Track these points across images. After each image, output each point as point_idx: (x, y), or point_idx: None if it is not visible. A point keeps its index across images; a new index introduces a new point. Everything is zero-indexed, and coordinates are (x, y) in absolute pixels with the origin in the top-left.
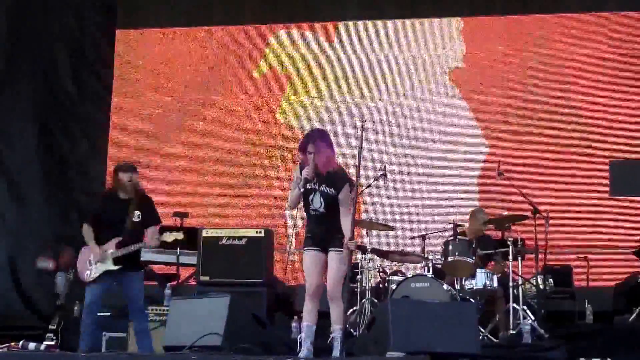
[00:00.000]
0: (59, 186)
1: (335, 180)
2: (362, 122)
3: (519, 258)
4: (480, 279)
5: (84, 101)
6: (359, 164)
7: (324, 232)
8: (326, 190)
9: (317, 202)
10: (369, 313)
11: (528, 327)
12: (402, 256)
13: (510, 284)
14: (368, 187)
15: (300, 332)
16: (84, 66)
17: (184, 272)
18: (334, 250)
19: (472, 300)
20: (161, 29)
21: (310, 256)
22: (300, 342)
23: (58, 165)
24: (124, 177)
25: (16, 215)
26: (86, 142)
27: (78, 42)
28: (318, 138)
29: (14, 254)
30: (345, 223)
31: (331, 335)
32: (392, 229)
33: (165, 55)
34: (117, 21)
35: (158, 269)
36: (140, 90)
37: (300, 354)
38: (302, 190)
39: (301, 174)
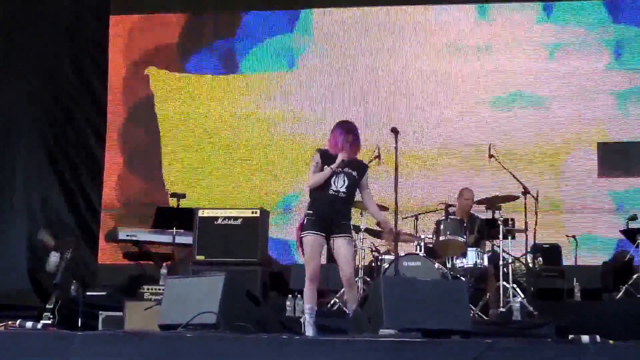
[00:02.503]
0: (63, 170)
1: (358, 165)
2: (397, 132)
3: (509, 237)
4: (471, 258)
5: (81, 86)
6: (397, 171)
7: (333, 214)
8: (350, 172)
9: (340, 182)
10: (361, 291)
11: (518, 305)
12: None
13: (501, 262)
14: None
15: (299, 313)
16: (80, 50)
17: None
18: (342, 236)
19: (463, 279)
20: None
21: (313, 240)
22: (304, 323)
23: (60, 150)
24: None
25: (22, 200)
26: (85, 125)
27: (73, 26)
28: (356, 131)
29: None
30: (376, 208)
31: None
32: (386, 209)
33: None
34: (110, 6)
35: (154, 249)
36: (136, 74)
37: (307, 333)
38: (335, 170)
39: (321, 160)
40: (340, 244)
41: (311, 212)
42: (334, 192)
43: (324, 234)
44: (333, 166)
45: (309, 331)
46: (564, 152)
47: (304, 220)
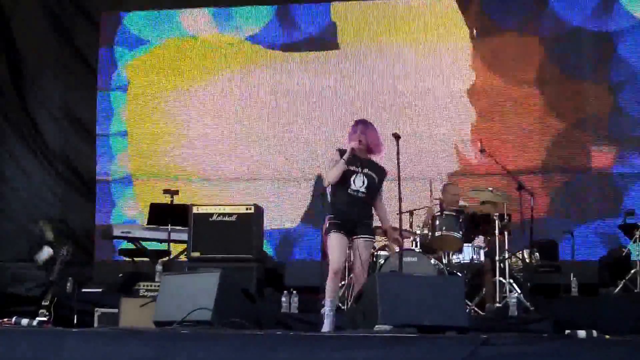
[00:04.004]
0: (53, 167)
1: (378, 168)
2: (398, 137)
3: (506, 233)
4: (467, 253)
5: (69, 82)
6: (399, 176)
7: (355, 215)
8: (371, 174)
9: (360, 182)
10: None
11: (514, 300)
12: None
13: (497, 257)
14: None
15: (294, 309)
16: (69, 48)
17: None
18: (364, 238)
19: (459, 274)
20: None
21: (338, 238)
22: (323, 315)
23: (49, 148)
24: None
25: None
26: (74, 123)
27: (63, 24)
28: (370, 125)
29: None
30: (385, 214)
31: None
32: None
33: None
34: (101, 3)
35: (149, 246)
36: (128, 72)
37: (323, 327)
38: (345, 162)
39: (341, 157)
40: (361, 247)
41: (333, 215)
42: (353, 192)
43: (346, 233)
44: (345, 156)
45: (327, 324)
46: (561, 146)
47: (327, 224)
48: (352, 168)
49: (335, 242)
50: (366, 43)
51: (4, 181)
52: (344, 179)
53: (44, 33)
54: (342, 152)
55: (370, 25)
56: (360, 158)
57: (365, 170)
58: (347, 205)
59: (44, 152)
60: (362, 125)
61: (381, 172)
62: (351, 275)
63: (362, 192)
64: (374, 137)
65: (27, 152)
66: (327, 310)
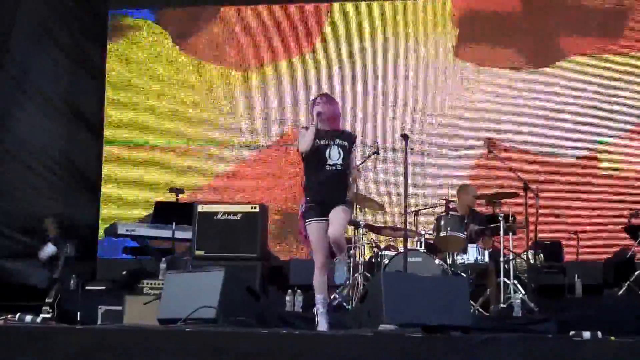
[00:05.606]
0: (62, 159)
1: (346, 134)
2: (407, 138)
3: (510, 233)
4: (472, 254)
5: (74, 79)
6: (406, 176)
7: (333, 194)
8: (342, 143)
9: (336, 154)
10: (361, 287)
11: (518, 301)
12: (395, 231)
13: (502, 258)
14: (361, 164)
15: (298, 307)
16: (78, 46)
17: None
18: (339, 205)
19: (464, 275)
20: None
21: (317, 229)
22: (316, 314)
23: (52, 146)
24: None
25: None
26: (79, 120)
27: (71, 22)
28: (331, 97)
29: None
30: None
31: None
32: (383, 209)
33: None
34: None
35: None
36: (135, 70)
37: (319, 326)
38: (316, 122)
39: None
40: (336, 211)
41: (309, 197)
42: (331, 167)
43: (326, 219)
44: (314, 122)
45: (322, 323)
46: (566, 147)
47: (304, 208)
48: (324, 142)
49: (316, 235)
50: None
51: (7, 178)
52: (320, 155)
53: (47, 28)
54: (307, 128)
55: None
56: (327, 131)
57: (337, 141)
58: (324, 185)
59: (47, 150)
60: (319, 98)
61: (350, 137)
62: (356, 274)
63: (340, 165)
64: (334, 108)
65: (30, 149)
66: (319, 308)
